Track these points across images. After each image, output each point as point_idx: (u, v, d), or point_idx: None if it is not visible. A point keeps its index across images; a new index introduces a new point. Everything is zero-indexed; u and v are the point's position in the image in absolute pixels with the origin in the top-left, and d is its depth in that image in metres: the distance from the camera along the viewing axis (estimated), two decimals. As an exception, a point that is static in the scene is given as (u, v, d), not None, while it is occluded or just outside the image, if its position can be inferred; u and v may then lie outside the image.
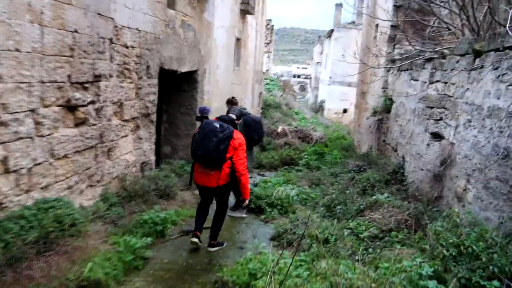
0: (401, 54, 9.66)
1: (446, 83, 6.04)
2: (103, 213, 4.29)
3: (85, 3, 3.96)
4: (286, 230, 4.45)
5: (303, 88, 49.36)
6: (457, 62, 5.67)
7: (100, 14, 4.25)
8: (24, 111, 3.30)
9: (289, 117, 19.20)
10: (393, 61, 9.46)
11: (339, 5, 25.14)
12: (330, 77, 24.71)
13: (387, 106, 9.19)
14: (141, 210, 4.84)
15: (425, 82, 7.01)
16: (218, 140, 3.93)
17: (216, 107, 9.57)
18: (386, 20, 8.87)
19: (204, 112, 5.13)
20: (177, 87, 7.75)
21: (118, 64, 4.74)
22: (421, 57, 7.34)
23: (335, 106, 24.70)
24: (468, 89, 5.10)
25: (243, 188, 4.25)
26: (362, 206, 5.33)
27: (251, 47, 13.32)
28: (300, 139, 13.73)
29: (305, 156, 11.16)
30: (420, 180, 6.45)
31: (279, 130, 14.24)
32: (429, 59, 7.03)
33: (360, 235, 4.49)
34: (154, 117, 5.86)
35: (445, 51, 6.70)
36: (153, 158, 5.92)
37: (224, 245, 4.55)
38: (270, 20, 27.25)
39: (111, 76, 4.59)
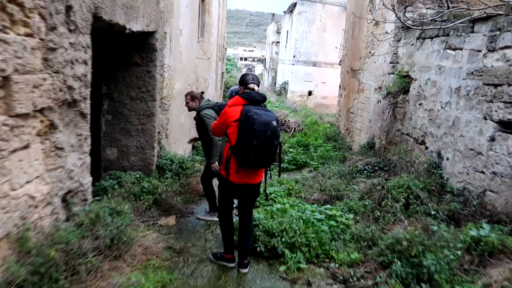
0: (414, 20, 7.64)
1: (529, 49, 4.07)
2: None
3: None
4: None
5: (250, 71, 50.76)
6: (558, 16, 3.67)
7: None
8: None
9: (254, 101, 16.74)
10: (406, 28, 7.38)
11: (301, -24, 22.74)
12: (294, 56, 22.42)
13: (403, 86, 7.15)
14: (63, 304, 2.29)
15: (479, 51, 5.04)
16: (279, 142, 3.30)
17: (178, 89, 6.96)
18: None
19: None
20: (124, 59, 5.05)
21: (-9, -11, 2.05)
22: (453, 20, 5.29)
23: (299, 88, 22.56)
24: None
25: None
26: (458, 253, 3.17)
27: (215, 14, 10.63)
28: (277, 128, 11.45)
29: (290, 150, 8.96)
30: (482, 189, 4.54)
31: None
32: (485, 18, 5.02)
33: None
34: (86, 106, 3.18)
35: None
36: (87, 180, 3.26)
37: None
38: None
39: (-30, 12, 1.91)
